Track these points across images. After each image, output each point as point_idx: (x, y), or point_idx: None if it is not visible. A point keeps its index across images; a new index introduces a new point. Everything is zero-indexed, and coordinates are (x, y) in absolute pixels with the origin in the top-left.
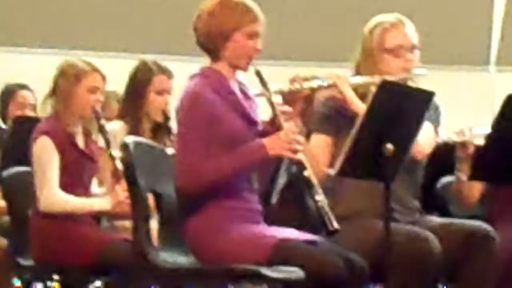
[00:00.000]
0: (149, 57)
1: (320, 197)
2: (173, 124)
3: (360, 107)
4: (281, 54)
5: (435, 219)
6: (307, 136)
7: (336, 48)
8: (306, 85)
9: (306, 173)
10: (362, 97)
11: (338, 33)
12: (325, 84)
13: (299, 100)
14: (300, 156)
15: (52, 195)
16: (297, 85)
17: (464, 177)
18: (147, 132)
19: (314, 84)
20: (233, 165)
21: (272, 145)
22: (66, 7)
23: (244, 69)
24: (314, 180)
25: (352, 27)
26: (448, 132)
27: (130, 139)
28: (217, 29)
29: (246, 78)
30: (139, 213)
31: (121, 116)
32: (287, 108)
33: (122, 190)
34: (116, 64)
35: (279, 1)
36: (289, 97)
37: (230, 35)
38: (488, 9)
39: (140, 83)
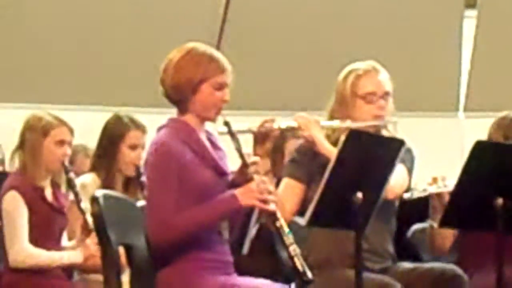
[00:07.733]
0: (118, 110)
1: (292, 246)
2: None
3: (329, 150)
4: (250, 104)
5: (406, 265)
6: (276, 184)
7: (308, 98)
8: (276, 125)
9: (278, 223)
10: (335, 143)
11: (311, 83)
12: (294, 125)
13: (268, 140)
14: (272, 207)
15: (22, 250)
16: (267, 125)
17: (436, 224)
18: (119, 185)
19: (283, 124)
20: (205, 217)
21: (244, 196)
22: (34, 60)
23: (213, 120)
24: (286, 230)
25: (326, 77)
26: (420, 181)
27: (100, 193)
28: (185, 82)
29: (212, 126)
30: (110, 267)
31: (93, 169)
32: (256, 158)
33: (93, 243)
34: (84, 117)
35: (250, 51)
36: (259, 137)
37: (198, 87)
38: (456, 57)
39: (113, 138)
